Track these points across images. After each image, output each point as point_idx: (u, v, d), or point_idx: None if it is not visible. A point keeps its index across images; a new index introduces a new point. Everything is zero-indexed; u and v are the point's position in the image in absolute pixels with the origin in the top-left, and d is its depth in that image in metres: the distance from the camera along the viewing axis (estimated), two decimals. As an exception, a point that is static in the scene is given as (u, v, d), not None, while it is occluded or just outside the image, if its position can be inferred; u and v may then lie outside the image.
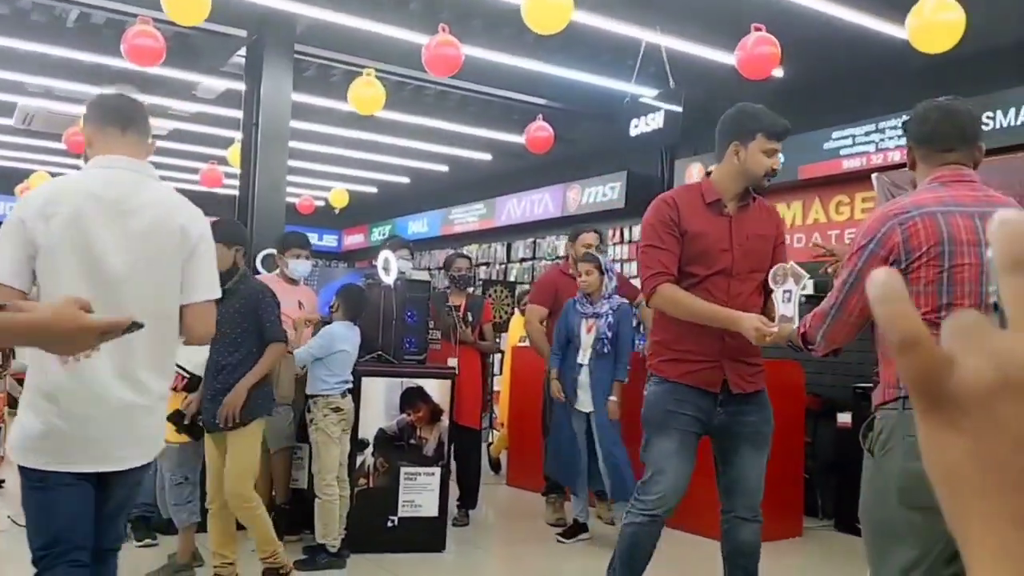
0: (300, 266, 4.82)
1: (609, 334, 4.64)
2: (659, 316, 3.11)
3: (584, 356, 4.71)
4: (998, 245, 0.35)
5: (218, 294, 2.35)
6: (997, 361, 0.33)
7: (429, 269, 11.91)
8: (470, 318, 5.26)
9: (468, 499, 5.23)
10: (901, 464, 2.10)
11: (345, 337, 4.27)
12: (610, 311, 4.69)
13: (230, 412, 3.53)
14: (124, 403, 2.14)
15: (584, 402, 4.72)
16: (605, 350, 4.64)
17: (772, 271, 2.93)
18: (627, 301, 4.88)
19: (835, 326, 2.30)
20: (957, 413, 0.34)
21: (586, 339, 4.71)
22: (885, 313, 0.36)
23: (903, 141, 2.51)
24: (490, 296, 6.75)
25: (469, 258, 5.73)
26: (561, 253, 9.98)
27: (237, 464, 3.59)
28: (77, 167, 11.22)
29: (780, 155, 3.00)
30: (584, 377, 4.71)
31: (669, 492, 2.97)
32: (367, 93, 6.03)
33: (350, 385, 4.29)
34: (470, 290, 5.68)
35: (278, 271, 4.93)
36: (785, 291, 2.78)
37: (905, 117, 2.39)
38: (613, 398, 4.64)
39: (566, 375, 4.79)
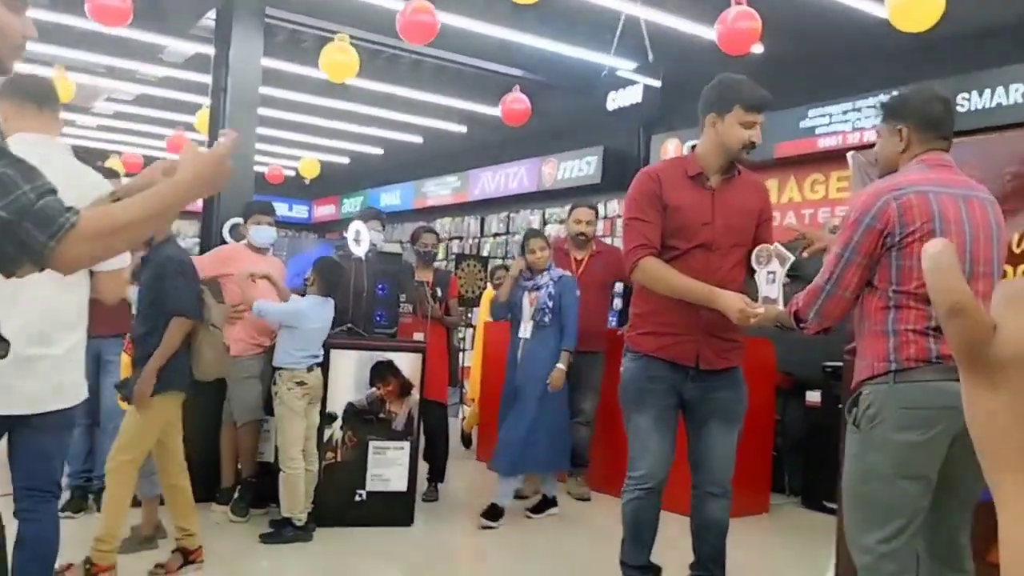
0: (261, 233, 4.69)
1: (550, 303, 4.63)
2: (640, 289, 3.11)
3: (525, 329, 4.71)
4: None
5: (125, 264, 2.52)
6: None
7: (401, 242, 11.79)
8: (439, 293, 5.20)
9: (436, 473, 5.20)
10: (893, 435, 2.12)
11: (316, 315, 4.20)
12: (551, 282, 4.68)
13: (137, 392, 3.36)
14: (29, 356, 2.31)
15: (517, 377, 4.72)
16: (546, 319, 4.62)
17: (755, 252, 2.91)
18: (569, 274, 4.86)
19: (830, 302, 2.30)
20: (997, 373, 0.37)
21: (528, 311, 4.72)
22: (937, 281, 0.38)
23: (879, 120, 2.49)
24: (460, 271, 6.68)
25: (436, 232, 5.65)
26: (535, 228, 9.93)
27: (123, 434, 3.40)
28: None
29: (759, 127, 2.95)
30: (520, 351, 4.73)
31: (654, 467, 3.02)
32: (340, 59, 5.90)
33: (318, 360, 4.22)
34: (436, 265, 5.65)
35: (245, 241, 4.83)
36: (769, 272, 2.76)
37: (885, 96, 2.41)
38: (560, 366, 4.61)
39: (510, 353, 4.80)
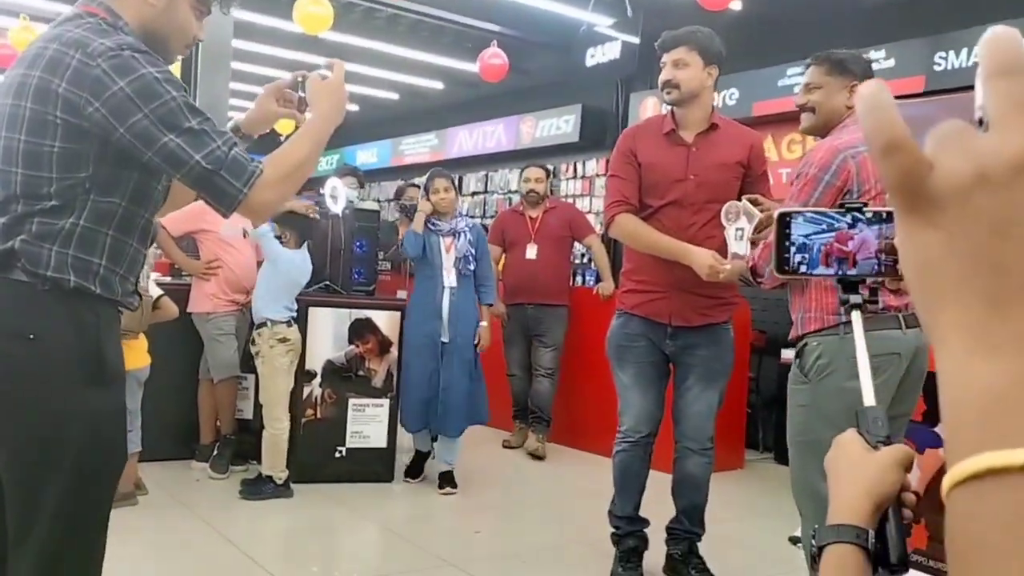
0: None
1: (473, 251, 4.36)
2: (626, 247, 3.17)
3: (449, 277, 4.31)
4: (986, 55, 0.36)
5: None
6: (974, 158, 0.35)
7: (378, 200, 11.71)
8: None
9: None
10: (845, 383, 2.19)
11: (303, 270, 4.22)
12: (467, 228, 4.39)
13: None
14: None
15: (443, 331, 4.30)
16: (471, 268, 4.35)
17: (724, 208, 2.93)
18: (478, 223, 4.70)
19: None
20: (934, 210, 0.36)
21: (447, 258, 4.32)
22: (873, 120, 0.37)
23: (821, 73, 2.57)
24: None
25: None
26: (513, 187, 9.90)
27: None
28: None
29: (667, 68, 2.99)
30: (446, 302, 4.30)
31: (637, 420, 3.08)
32: (314, 11, 5.80)
33: (295, 314, 4.22)
34: None
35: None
36: (737, 229, 2.78)
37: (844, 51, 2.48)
38: (484, 323, 4.42)
39: (423, 303, 4.33)
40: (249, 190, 1.50)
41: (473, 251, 4.37)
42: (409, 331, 4.42)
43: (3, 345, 1.46)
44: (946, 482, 0.35)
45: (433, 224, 4.33)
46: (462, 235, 4.35)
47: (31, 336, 1.46)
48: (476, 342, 4.38)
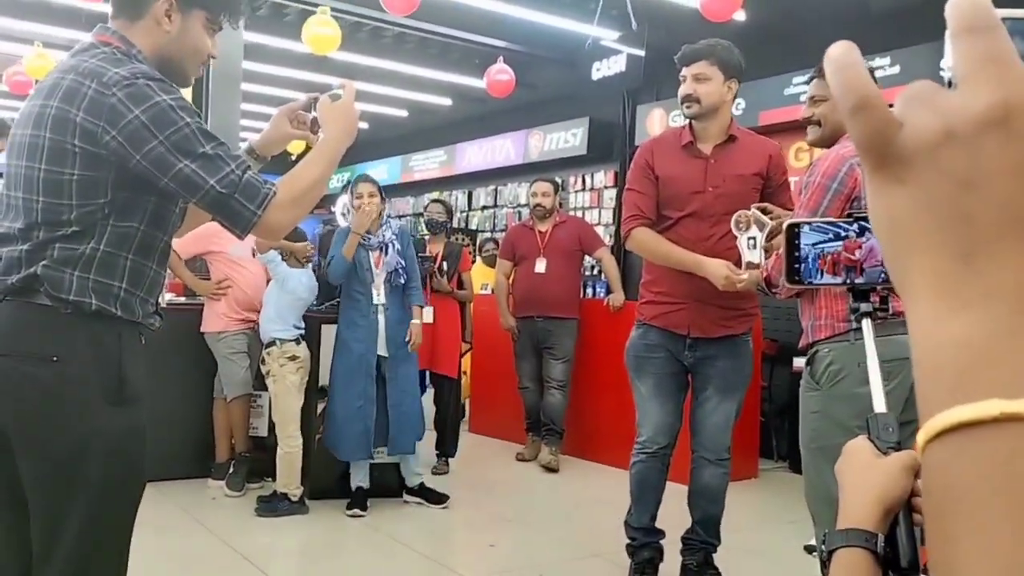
0: None
1: (403, 262, 4.19)
2: (645, 260, 3.19)
3: (379, 296, 4.14)
4: (953, 16, 0.36)
5: None
6: (942, 114, 0.35)
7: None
8: (445, 267, 5.20)
9: (448, 447, 5.19)
10: (856, 389, 2.19)
11: (310, 287, 4.26)
12: (394, 237, 4.21)
13: None
14: None
15: (380, 345, 4.16)
16: (401, 281, 4.19)
17: (734, 218, 2.94)
18: (404, 224, 4.64)
19: None
20: (903, 167, 0.36)
21: (377, 275, 4.16)
22: (842, 78, 0.38)
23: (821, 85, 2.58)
24: (467, 244, 6.69)
25: (443, 202, 5.67)
26: (522, 201, 9.93)
27: None
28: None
29: (688, 83, 3.00)
30: (381, 319, 4.15)
31: (656, 431, 3.09)
32: (322, 32, 5.86)
33: (303, 331, 4.25)
34: (453, 239, 5.66)
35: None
36: (749, 238, 2.79)
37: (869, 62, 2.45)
38: (416, 321, 4.24)
39: (354, 324, 4.13)
40: (263, 212, 1.56)
41: (403, 262, 4.18)
42: (340, 354, 4.17)
43: (27, 367, 1.51)
44: (920, 437, 0.35)
45: (362, 239, 4.13)
46: (390, 247, 4.17)
47: (54, 358, 1.51)
48: (407, 339, 4.19)
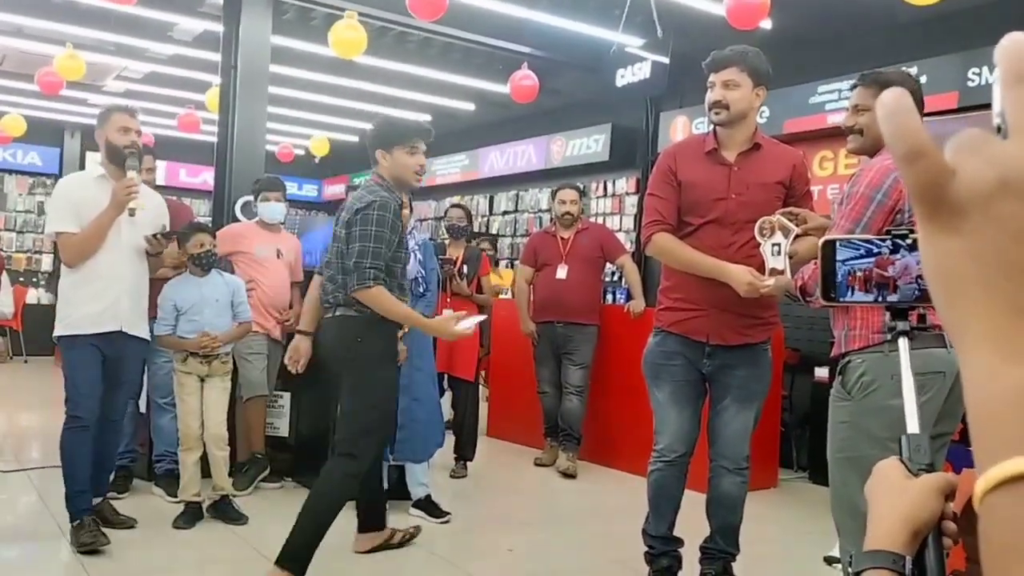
0: (269, 209, 4.72)
1: (424, 272, 4.17)
2: (664, 266, 3.17)
3: None
4: (1004, 62, 0.36)
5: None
6: (996, 165, 0.35)
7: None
8: (465, 270, 5.21)
9: (466, 451, 5.19)
10: (888, 401, 2.17)
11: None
12: (416, 248, 4.14)
13: None
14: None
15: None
16: (421, 290, 4.14)
17: (758, 224, 2.92)
18: (427, 239, 4.47)
19: None
20: (957, 217, 0.36)
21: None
22: (894, 126, 0.38)
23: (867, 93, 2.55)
24: (487, 249, 6.71)
25: (464, 207, 5.69)
26: (544, 206, 9.94)
27: None
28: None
29: (717, 89, 2.98)
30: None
31: (673, 439, 3.08)
32: (348, 36, 5.90)
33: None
34: (474, 243, 5.67)
35: (256, 218, 4.86)
36: (774, 244, 2.78)
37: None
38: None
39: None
40: (371, 283, 3.06)
41: (423, 271, 4.17)
42: None
43: (351, 344, 3.13)
44: (979, 487, 0.34)
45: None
46: (412, 255, 4.00)
47: (359, 339, 3.13)
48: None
